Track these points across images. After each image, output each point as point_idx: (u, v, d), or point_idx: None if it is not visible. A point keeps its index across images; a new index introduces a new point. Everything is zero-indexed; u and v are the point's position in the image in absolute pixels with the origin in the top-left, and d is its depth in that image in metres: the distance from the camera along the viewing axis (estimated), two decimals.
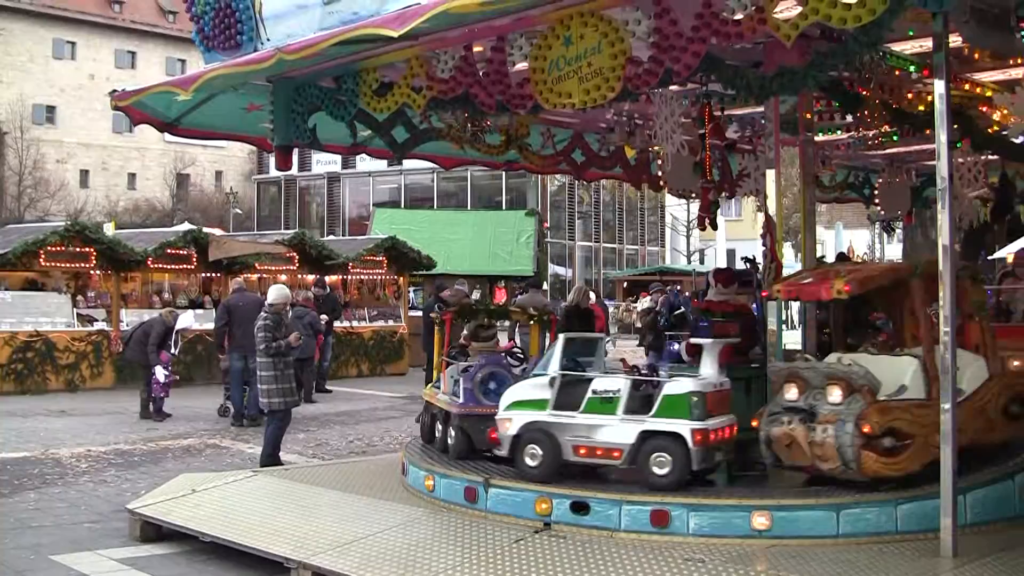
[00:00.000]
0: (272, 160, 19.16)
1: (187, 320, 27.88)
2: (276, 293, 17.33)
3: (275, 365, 16.54)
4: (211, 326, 28.03)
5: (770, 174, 14.52)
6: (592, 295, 25.77)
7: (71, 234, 30.76)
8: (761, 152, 15.48)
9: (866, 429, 10.46)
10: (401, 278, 39.76)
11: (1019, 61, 12.88)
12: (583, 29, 10.41)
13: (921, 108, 14.09)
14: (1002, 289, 15.10)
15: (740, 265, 16.39)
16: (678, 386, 11.29)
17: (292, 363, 17.11)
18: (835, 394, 10.83)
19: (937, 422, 9.96)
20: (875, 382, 10.75)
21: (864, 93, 13.48)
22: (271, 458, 16.72)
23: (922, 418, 10.68)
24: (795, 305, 14.77)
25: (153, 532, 13.09)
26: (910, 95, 14.18)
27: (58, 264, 31.03)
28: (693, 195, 17.74)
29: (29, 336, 29.83)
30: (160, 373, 24.54)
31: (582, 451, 11.60)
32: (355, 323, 37.17)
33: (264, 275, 34.50)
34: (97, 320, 31.90)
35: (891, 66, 13.07)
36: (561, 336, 12.47)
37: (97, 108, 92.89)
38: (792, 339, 14.86)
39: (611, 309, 44.31)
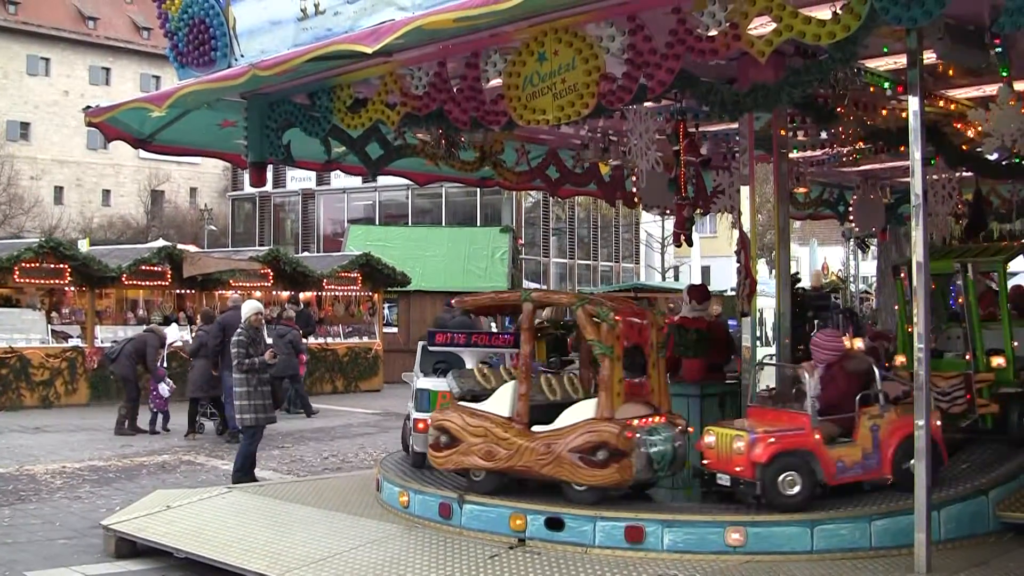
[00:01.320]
0: (246, 176, 19.13)
1: (174, 334, 27.87)
2: (249, 308, 17.29)
3: (248, 381, 16.51)
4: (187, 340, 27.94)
5: (744, 191, 14.54)
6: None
7: (45, 250, 30.66)
8: (735, 169, 15.50)
9: (424, 424, 13.15)
10: (376, 295, 39.73)
11: (994, 77, 12.90)
12: (557, 45, 10.43)
13: (895, 125, 14.16)
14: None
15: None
16: (419, 383, 14.37)
17: (267, 379, 17.02)
18: None
19: (489, 436, 11.84)
20: (457, 387, 12.88)
21: (838, 110, 13.52)
22: (244, 474, 16.66)
23: (471, 427, 12.08)
24: (769, 321, 14.78)
25: (128, 548, 13.03)
26: (884, 112, 14.23)
27: (32, 280, 30.90)
28: (668, 212, 17.76)
29: (3, 353, 29.68)
30: (164, 388, 24.58)
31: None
32: (329, 340, 37.08)
33: (239, 292, 34.37)
34: (72, 336, 31.81)
35: (865, 83, 13.10)
36: (420, 343, 15.14)
37: (71, 124, 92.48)
38: (766, 355, 14.89)
39: None
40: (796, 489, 10.79)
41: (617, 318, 11.56)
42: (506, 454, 11.75)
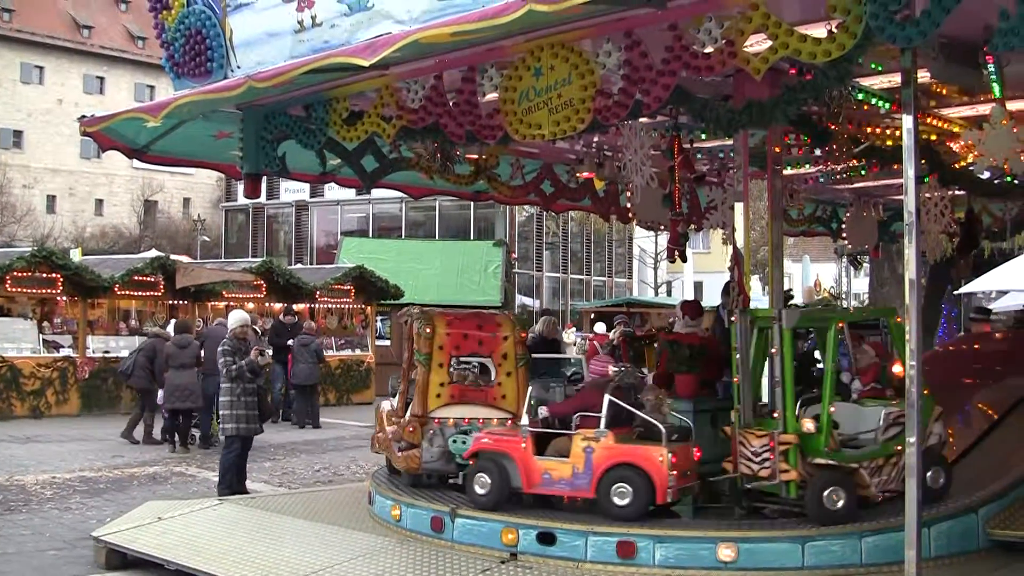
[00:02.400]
0: (240, 187, 19.18)
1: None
2: (235, 318, 17.32)
3: (232, 391, 16.50)
4: None
5: (738, 207, 14.54)
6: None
7: (37, 260, 30.68)
8: (729, 185, 15.51)
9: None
10: (369, 307, 39.70)
11: (987, 97, 12.92)
12: (553, 60, 10.43)
13: (889, 143, 14.16)
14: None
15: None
16: None
17: (252, 390, 16.90)
18: None
19: (382, 426, 14.30)
20: (390, 387, 16.00)
21: (832, 127, 13.53)
22: (229, 487, 16.56)
23: (382, 418, 14.53)
24: None
25: (118, 560, 13.03)
26: (878, 130, 14.24)
27: (24, 290, 30.93)
28: (662, 227, 17.76)
29: None
30: None
31: None
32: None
33: (232, 303, 34.37)
34: (63, 346, 31.80)
35: (860, 101, 13.12)
36: None
37: (65, 133, 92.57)
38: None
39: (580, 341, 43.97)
40: (485, 490, 11.72)
41: (429, 330, 13.20)
42: (384, 439, 14.18)
